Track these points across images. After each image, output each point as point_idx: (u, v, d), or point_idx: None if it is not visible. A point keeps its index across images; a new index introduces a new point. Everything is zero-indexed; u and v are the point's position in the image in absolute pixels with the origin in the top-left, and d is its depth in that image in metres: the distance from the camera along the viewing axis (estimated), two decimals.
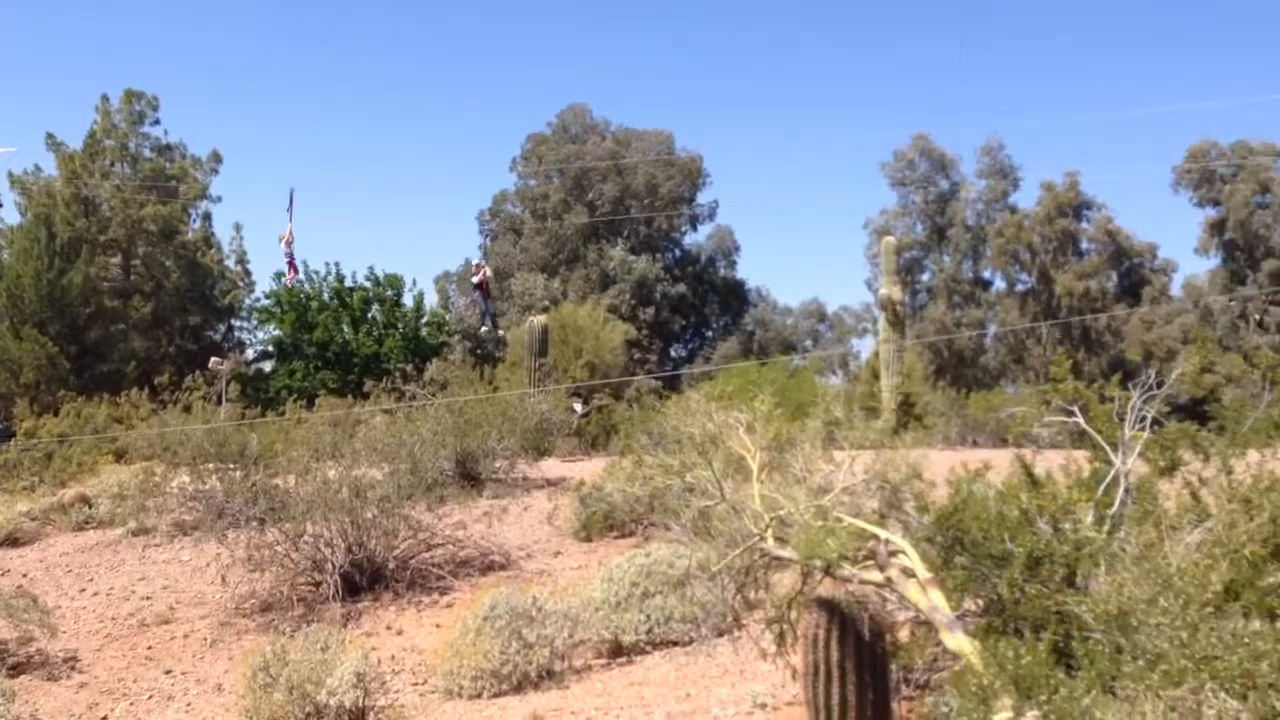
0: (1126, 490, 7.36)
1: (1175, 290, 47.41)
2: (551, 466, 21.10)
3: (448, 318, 49.14)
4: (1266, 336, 42.02)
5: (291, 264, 30.48)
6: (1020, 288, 48.81)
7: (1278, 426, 7.95)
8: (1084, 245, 47.81)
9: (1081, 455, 8.05)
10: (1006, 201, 48.80)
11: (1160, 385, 7.97)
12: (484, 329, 36.61)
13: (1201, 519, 5.86)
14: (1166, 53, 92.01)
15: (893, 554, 6.18)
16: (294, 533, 13.62)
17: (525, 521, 16.50)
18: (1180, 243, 75.72)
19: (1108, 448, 7.70)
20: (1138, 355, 30.70)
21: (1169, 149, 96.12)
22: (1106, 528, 6.81)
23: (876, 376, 26.50)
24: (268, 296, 44.64)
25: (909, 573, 6.04)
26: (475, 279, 31.02)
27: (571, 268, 51.45)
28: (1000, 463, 7.92)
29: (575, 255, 51.76)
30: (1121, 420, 7.83)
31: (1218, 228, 45.02)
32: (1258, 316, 43.69)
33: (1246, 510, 6.80)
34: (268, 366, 44.71)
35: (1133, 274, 47.38)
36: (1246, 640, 4.15)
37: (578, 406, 26.92)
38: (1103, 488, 7.51)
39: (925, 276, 51.47)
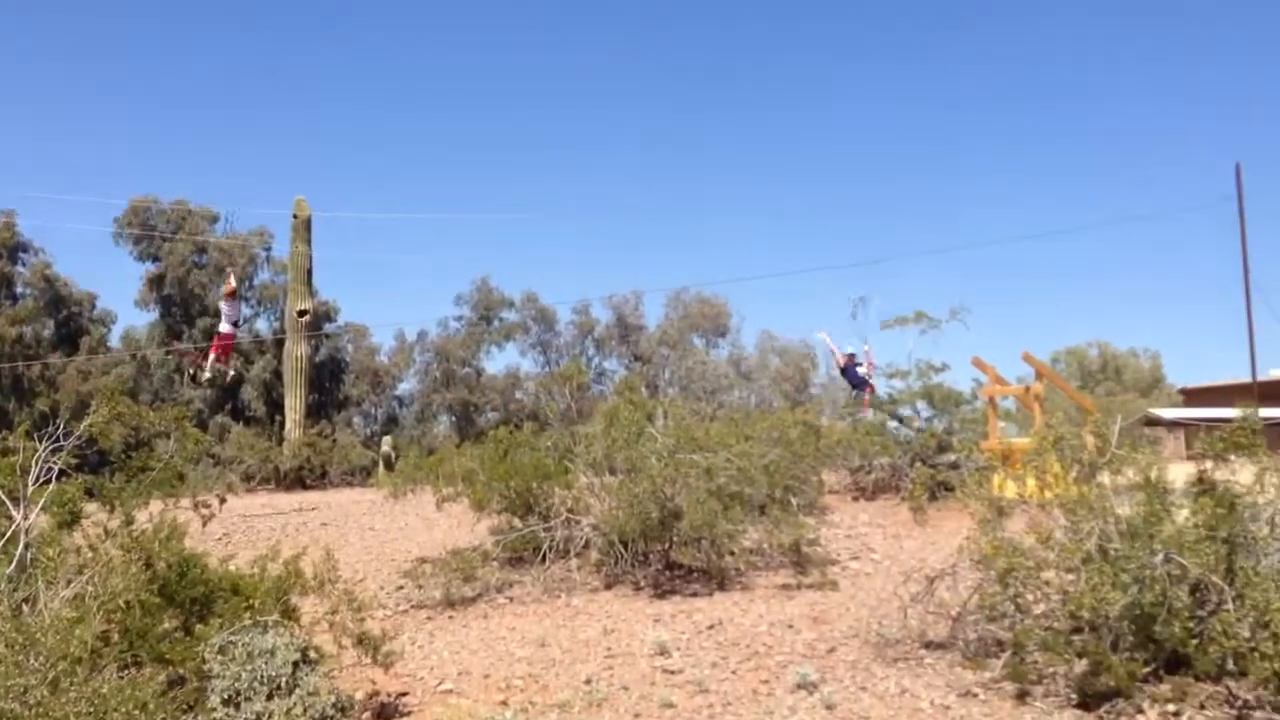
0: (28, 545, 7.12)
1: (115, 341, 47.56)
2: None
3: None
4: (199, 390, 44.38)
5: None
6: None
7: (181, 476, 8.43)
8: (20, 289, 45.65)
9: None
10: None
11: (68, 436, 7.89)
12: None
13: (81, 571, 5.90)
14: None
15: None
16: None
17: None
18: (122, 294, 76.54)
19: (9, 502, 7.38)
20: (46, 405, 30.18)
21: (113, 199, 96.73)
22: (3, 586, 6.49)
23: None
24: None
25: None
26: (863, 369, 20.89)
27: None
28: None
29: None
30: (26, 473, 7.57)
31: (157, 282, 46.40)
32: (192, 371, 45.92)
33: (145, 558, 7.06)
34: None
35: (71, 322, 46.38)
36: (106, 692, 4.22)
37: None
38: (3, 543, 7.16)
39: None
